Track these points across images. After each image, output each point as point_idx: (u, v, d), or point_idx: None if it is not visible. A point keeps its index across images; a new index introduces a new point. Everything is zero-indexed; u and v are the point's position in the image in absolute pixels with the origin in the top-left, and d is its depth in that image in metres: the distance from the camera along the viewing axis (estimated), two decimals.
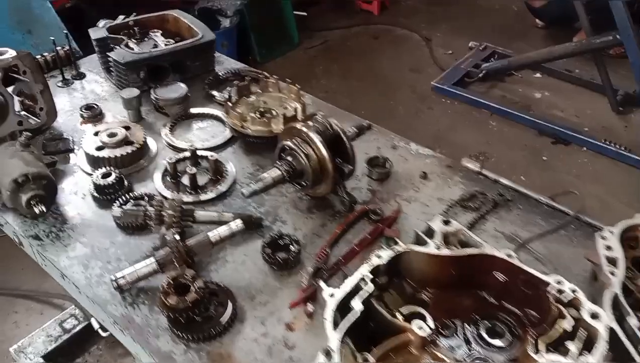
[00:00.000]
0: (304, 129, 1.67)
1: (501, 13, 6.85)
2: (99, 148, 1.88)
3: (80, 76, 2.42)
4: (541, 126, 4.87)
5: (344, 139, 1.70)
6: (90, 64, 2.51)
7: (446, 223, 1.43)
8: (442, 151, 2.14)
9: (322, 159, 1.64)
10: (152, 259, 1.47)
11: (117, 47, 2.27)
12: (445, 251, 1.36)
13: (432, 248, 1.37)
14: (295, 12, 6.09)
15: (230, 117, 1.99)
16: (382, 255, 1.33)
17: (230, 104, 2.00)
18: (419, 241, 1.41)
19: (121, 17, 2.43)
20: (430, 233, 1.42)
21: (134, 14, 2.47)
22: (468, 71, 5.56)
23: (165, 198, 1.74)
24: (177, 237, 1.49)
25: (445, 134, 4.91)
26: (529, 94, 5.40)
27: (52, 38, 2.32)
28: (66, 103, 2.25)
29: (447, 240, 1.41)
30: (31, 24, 2.77)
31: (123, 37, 2.32)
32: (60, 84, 2.36)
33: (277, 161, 1.70)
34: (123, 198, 1.73)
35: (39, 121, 2.02)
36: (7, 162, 1.70)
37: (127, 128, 1.95)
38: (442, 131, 4.95)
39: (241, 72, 2.41)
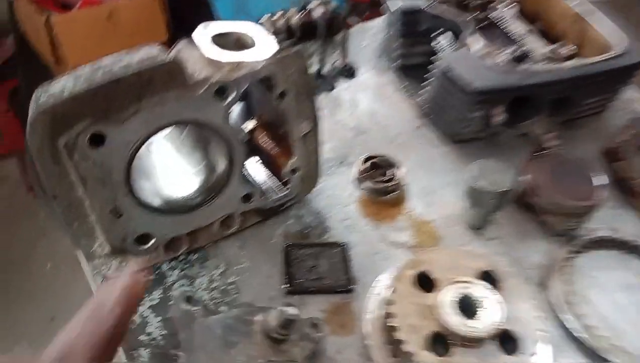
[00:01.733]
0: None
1: None
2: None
3: (350, 73, 1.24)
4: None
5: None
6: (357, 41, 1.32)
7: None
8: None
9: None
10: None
11: (443, 40, 1.07)
12: None
13: None
14: None
15: None
16: None
17: None
18: None
19: None
20: None
21: None
22: None
23: None
24: None
25: None
26: None
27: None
28: (326, 141, 1.08)
29: None
30: None
31: (456, 19, 1.10)
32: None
33: None
34: None
35: (283, 195, 0.91)
36: None
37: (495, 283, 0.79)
38: None
39: None
